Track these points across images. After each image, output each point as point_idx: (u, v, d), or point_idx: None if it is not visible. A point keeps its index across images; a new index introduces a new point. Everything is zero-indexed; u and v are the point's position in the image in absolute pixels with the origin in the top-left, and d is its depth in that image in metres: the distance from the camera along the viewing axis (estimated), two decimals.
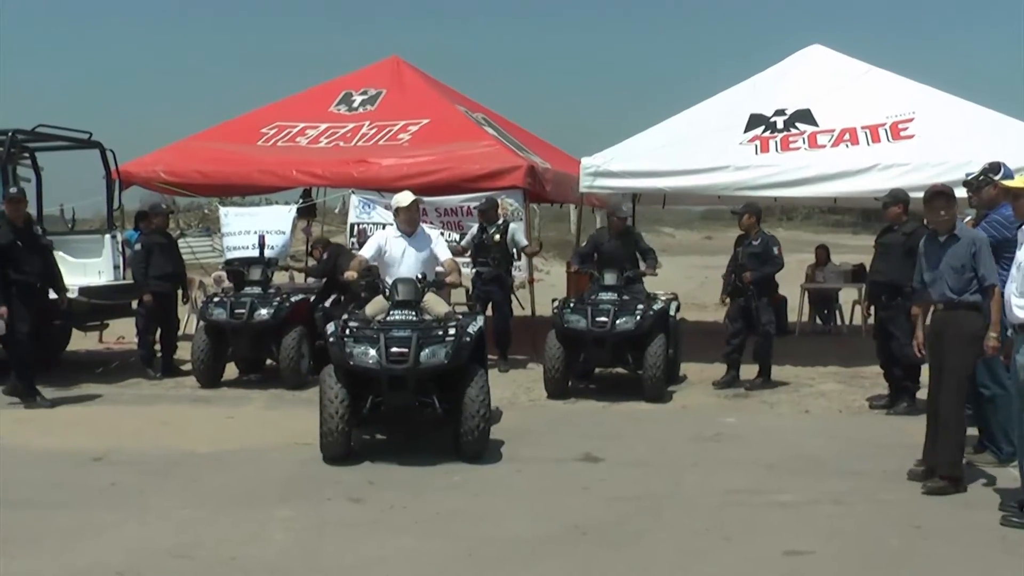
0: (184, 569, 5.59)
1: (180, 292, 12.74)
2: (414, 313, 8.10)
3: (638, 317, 10.54)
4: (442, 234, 11.06)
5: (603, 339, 10.59)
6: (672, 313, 11.49)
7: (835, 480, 7.45)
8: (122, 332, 14.31)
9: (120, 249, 12.91)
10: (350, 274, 8.84)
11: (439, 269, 9.26)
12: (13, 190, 10.71)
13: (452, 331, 7.90)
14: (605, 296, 10.84)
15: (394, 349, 7.70)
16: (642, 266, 11.60)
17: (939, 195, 7.22)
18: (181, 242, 14.55)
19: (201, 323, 11.80)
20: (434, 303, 8.54)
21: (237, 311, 11.34)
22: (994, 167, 8.04)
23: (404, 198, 9.20)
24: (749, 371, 11.40)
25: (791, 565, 5.67)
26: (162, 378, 11.95)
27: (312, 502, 6.78)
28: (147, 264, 12.02)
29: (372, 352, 7.72)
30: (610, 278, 11.04)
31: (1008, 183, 7.01)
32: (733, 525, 6.37)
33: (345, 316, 8.48)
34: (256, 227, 13.58)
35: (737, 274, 11.32)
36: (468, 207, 12.94)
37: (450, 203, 13.17)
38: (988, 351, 6.82)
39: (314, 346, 11.54)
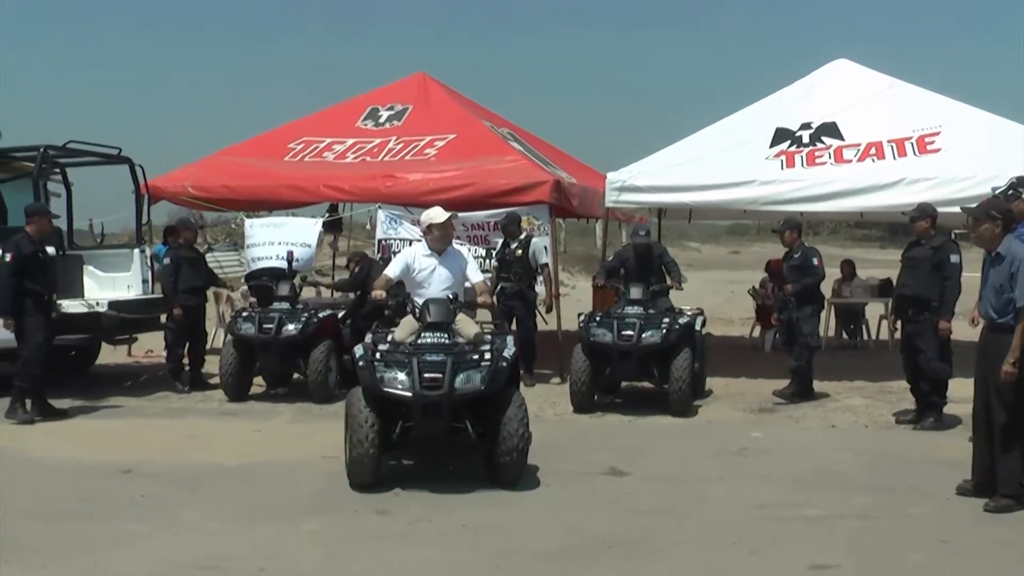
0: None
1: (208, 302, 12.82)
2: (447, 335, 7.68)
3: (664, 331, 10.57)
4: (470, 250, 11.08)
5: (629, 353, 10.62)
6: (698, 328, 11.50)
7: (861, 495, 7.44)
8: (151, 346, 14.43)
9: (149, 263, 13.02)
10: (378, 293, 8.49)
11: (466, 285, 8.82)
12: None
13: (488, 355, 7.48)
14: (631, 310, 10.88)
15: (428, 375, 7.28)
16: (668, 280, 11.62)
17: (970, 211, 7.23)
18: (209, 257, 14.67)
19: (229, 337, 11.89)
20: (464, 324, 8.07)
21: (265, 326, 11.43)
22: (1022, 181, 8.01)
23: (438, 214, 8.58)
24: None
25: None
26: (190, 391, 12.06)
27: (340, 515, 6.82)
28: (176, 278, 12.14)
29: (403, 377, 7.32)
30: (636, 292, 11.08)
31: None
32: (759, 539, 6.37)
33: (370, 336, 8.11)
34: (281, 239, 13.66)
35: (781, 288, 11.40)
36: (495, 222, 12.99)
37: (476, 218, 13.21)
38: (1003, 376, 6.79)
39: (342, 361, 11.62)
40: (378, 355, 7.53)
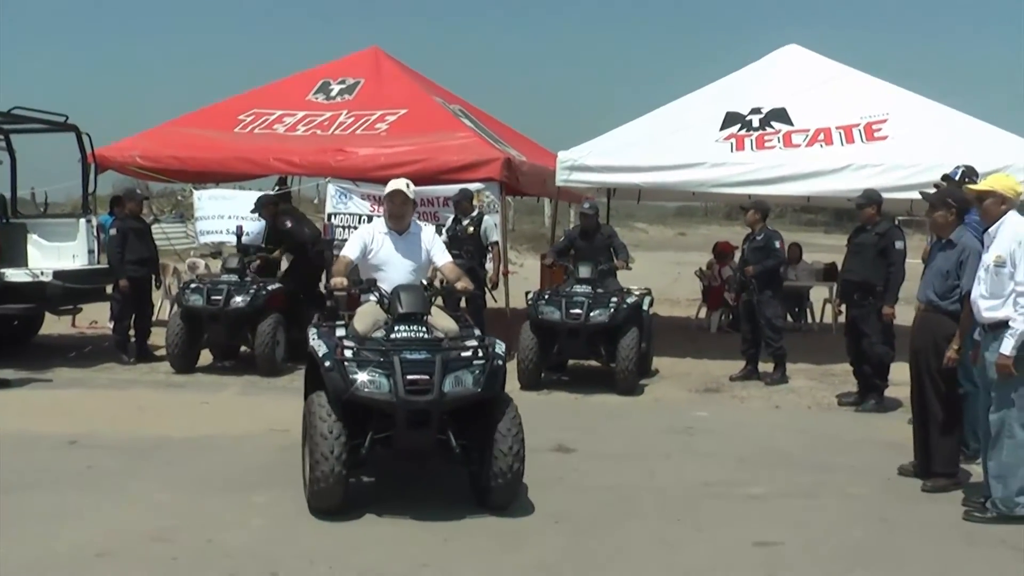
0: (163, 552, 5.64)
1: (153, 278, 12.72)
2: (424, 329, 6.52)
3: (612, 310, 10.66)
4: None
5: (577, 331, 10.70)
6: (645, 307, 11.59)
7: (804, 474, 7.59)
8: (95, 316, 14.28)
9: (95, 233, 12.88)
10: (338, 280, 7.04)
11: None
12: None
13: (480, 352, 6.38)
14: (579, 289, 10.96)
15: (412, 376, 6.10)
16: (616, 260, 11.70)
17: (928, 197, 7.38)
18: (155, 228, 14.54)
19: (177, 309, 11.81)
20: (439, 316, 6.94)
21: (214, 298, 11.36)
22: (972, 170, 8.18)
23: (392, 183, 7.43)
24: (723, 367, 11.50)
25: (761, 555, 5.78)
26: (136, 363, 11.96)
27: (289, 488, 6.79)
28: (123, 249, 12.02)
29: (382, 379, 6.13)
30: (584, 271, 11.16)
31: (973, 186, 7.14)
32: (705, 516, 6.48)
33: (314, 332, 6.90)
34: (230, 212, 13.59)
35: (741, 269, 11.50)
36: (444, 198, 12.98)
37: (426, 194, 13.18)
38: (947, 361, 6.94)
39: (290, 334, 11.60)
40: (348, 352, 6.29)
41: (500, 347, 6.52)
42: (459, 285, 7.31)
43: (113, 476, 7.18)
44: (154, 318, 12.89)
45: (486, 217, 12.43)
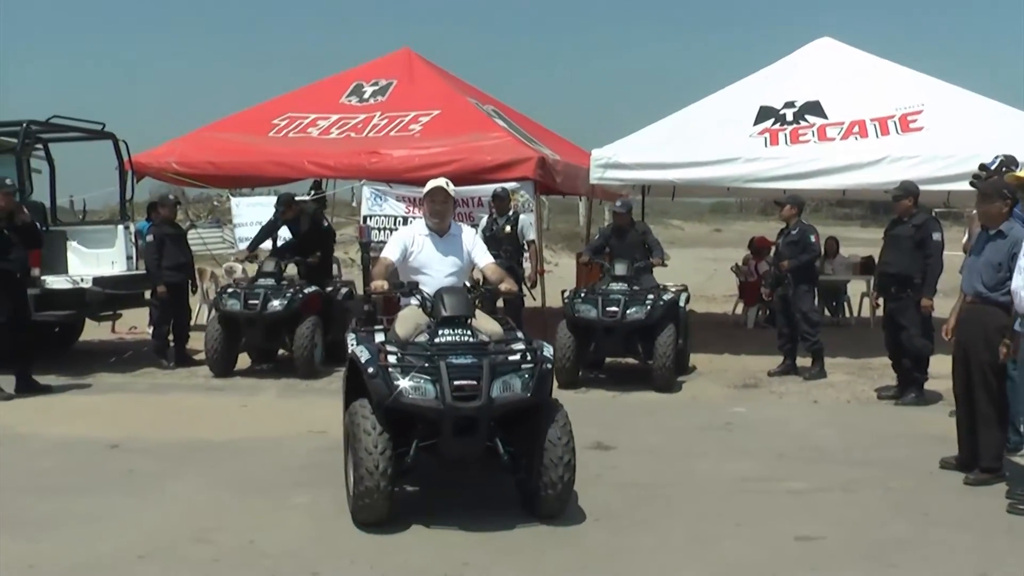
0: (204, 553, 5.68)
1: (190, 283, 12.82)
2: (469, 332, 6.27)
3: (648, 307, 10.64)
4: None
5: (613, 329, 10.69)
6: (682, 304, 11.55)
7: (844, 468, 7.53)
8: (134, 322, 14.42)
9: (133, 240, 13.00)
10: (378, 284, 6.77)
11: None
12: (8, 181, 10.71)
13: (528, 356, 6.13)
14: (616, 287, 10.94)
15: (459, 381, 5.86)
16: (652, 258, 11.67)
17: (976, 187, 7.28)
18: (192, 233, 14.68)
19: (215, 313, 11.89)
20: (484, 319, 6.65)
21: (251, 302, 11.44)
22: (1011, 160, 8.08)
23: (432, 182, 7.19)
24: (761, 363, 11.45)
25: (802, 550, 5.75)
26: (175, 368, 12.08)
27: (329, 489, 6.83)
28: (159, 255, 12.13)
29: (428, 386, 5.88)
30: (621, 269, 11.15)
31: (1016, 174, 7.03)
32: (744, 512, 6.45)
33: (352, 337, 6.79)
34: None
35: (776, 263, 11.45)
36: (479, 198, 13.01)
37: (461, 194, 13.20)
38: (1001, 354, 6.81)
39: (326, 337, 11.68)
40: (391, 358, 6.05)
41: (548, 350, 6.29)
42: (503, 287, 7.04)
43: (154, 479, 7.24)
44: (192, 323, 13.01)
45: (522, 216, 12.45)
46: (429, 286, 6.72)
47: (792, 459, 7.85)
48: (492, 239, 12.15)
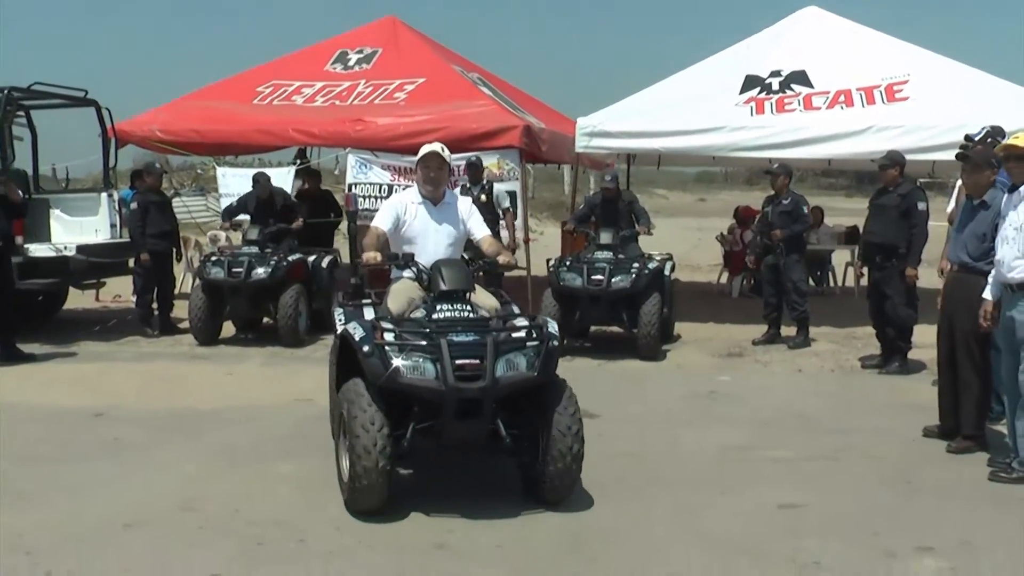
0: (190, 521, 5.69)
1: (174, 251, 12.77)
2: (469, 308, 5.98)
3: (633, 276, 10.64)
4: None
5: (599, 297, 10.69)
6: (667, 273, 11.56)
7: (828, 437, 7.58)
8: (119, 290, 14.36)
9: (116, 207, 12.93)
10: (371, 256, 6.37)
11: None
12: None
13: (533, 333, 5.83)
14: (601, 255, 10.94)
15: (461, 360, 5.55)
16: (637, 226, 11.66)
17: (963, 158, 7.27)
18: (177, 201, 14.60)
19: (198, 281, 11.85)
20: (481, 294, 6.37)
21: (235, 270, 11.40)
22: (997, 130, 8.09)
23: (426, 146, 6.74)
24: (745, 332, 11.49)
25: (786, 518, 5.79)
26: (159, 336, 12.04)
27: (315, 457, 6.84)
28: (143, 223, 12.08)
29: (429, 366, 5.56)
30: (606, 237, 11.15)
31: (1009, 142, 7.02)
32: (728, 480, 6.49)
33: (340, 311, 6.69)
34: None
35: (766, 233, 11.45)
36: (464, 167, 12.96)
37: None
38: (983, 321, 6.85)
39: (311, 305, 11.67)
40: (388, 336, 5.71)
41: (553, 326, 5.97)
42: (502, 260, 6.65)
43: (139, 448, 7.24)
44: (176, 291, 12.96)
45: (496, 184, 12.38)
46: (423, 258, 6.38)
47: (776, 428, 7.90)
48: None
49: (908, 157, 10.41)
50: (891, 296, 9.80)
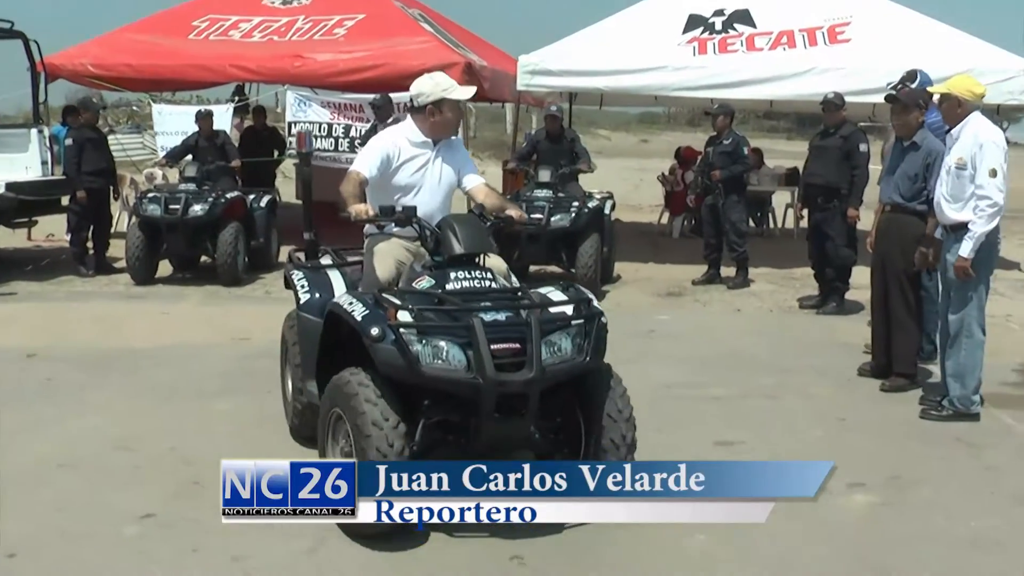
0: (124, 461, 5.63)
1: (111, 189, 12.53)
2: (490, 276, 4.89)
3: (573, 215, 10.59)
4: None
5: (538, 236, 10.62)
6: (607, 212, 11.52)
7: (766, 375, 7.66)
8: (51, 230, 14.09)
9: (47, 144, 12.64)
10: (361, 208, 5.13)
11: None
12: None
13: (582, 308, 4.83)
14: (540, 193, 10.87)
15: (499, 345, 4.46)
16: (579, 164, 11.56)
17: (892, 100, 7.31)
18: (112, 139, 14.31)
19: (135, 219, 11.65)
20: (492, 258, 5.24)
21: (172, 207, 11.21)
22: (911, 74, 8.14)
23: (467, 90, 5.74)
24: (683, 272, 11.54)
25: (721, 454, 5.85)
26: (95, 275, 11.83)
27: (251, 396, 6.81)
28: (79, 160, 11.82)
29: (458, 352, 4.47)
30: (545, 175, 11.05)
31: (933, 88, 7.10)
32: (666, 417, 6.51)
33: (298, 274, 5.74)
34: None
35: (707, 174, 11.44)
36: (405, 104, 12.80)
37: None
38: (917, 261, 6.94)
39: (250, 244, 11.55)
40: (404, 315, 4.51)
41: (595, 300, 5.00)
42: (512, 213, 5.51)
43: (74, 388, 7.13)
44: (112, 230, 12.73)
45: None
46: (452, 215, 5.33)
47: (715, 366, 7.96)
48: None
49: (848, 100, 10.45)
50: (832, 237, 9.87)
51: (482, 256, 5.01)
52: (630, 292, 11.22)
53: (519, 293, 4.91)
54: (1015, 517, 5.06)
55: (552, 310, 4.77)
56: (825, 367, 7.90)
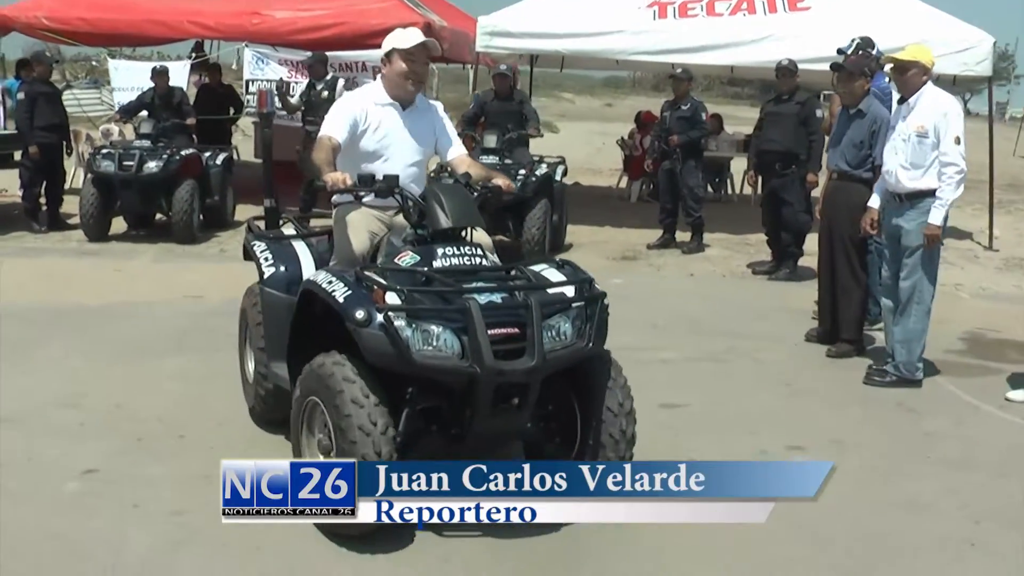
0: (69, 418, 5.61)
1: (64, 144, 12.39)
2: (481, 252, 4.47)
3: (520, 182, 10.23)
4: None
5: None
6: (557, 178, 11.31)
7: (715, 340, 7.73)
8: (3, 185, 13.93)
9: (0, 99, 12.47)
10: (338, 177, 4.60)
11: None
12: None
13: (584, 290, 4.43)
14: (485, 160, 10.67)
15: (496, 330, 4.06)
16: (528, 128, 11.34)
17: (838, 68, 7.36)
18: (68, 94, 14.14)
19: (89, 175, 11.53)
20: (478, 232, 4.76)
21: (126, 163, 11.07)
22: (867, 41, 8.17)
23: (411, 35, 5.19)
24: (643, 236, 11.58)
25: (666, 416, 5.90)
26: (48, 231, 11.71)
27: (201, 354, 6.80)
28: (32, 115, 11.66)
29: (451, 338, 4.07)
30: (490, 141, 10.75)
31: (897, 56, 7.11)
32: None
33: (261, 246, 5.34)
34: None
35: (664, 138, 11.43)
36: (364, 63, 12.75)
37: (345, 59, 12.94)
38: (864, 228, 7.00)
39: (205, 202, 11.48)
40: (393, 297, 4.13)
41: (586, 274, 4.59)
42: (500, 183, 5.08)
43: (22, 344, 7.06)
44: (66, 186, 12.60)
45: (340, 81, 12.09)
46: (443, 183, 5.16)
47: (666, 330, 8.04)
48: (309, 106, 11.82)
49: (806, 67, 10.51)
50: (791, 202, 9.94)
51: (469, 230, 4.59)
52: (585, 255, 11.21)
53: (513, 272, 4.49)
54: (950, 482, 5.15)
55: (551, 291, 4.39)
56: (774, 332, 7.99)
